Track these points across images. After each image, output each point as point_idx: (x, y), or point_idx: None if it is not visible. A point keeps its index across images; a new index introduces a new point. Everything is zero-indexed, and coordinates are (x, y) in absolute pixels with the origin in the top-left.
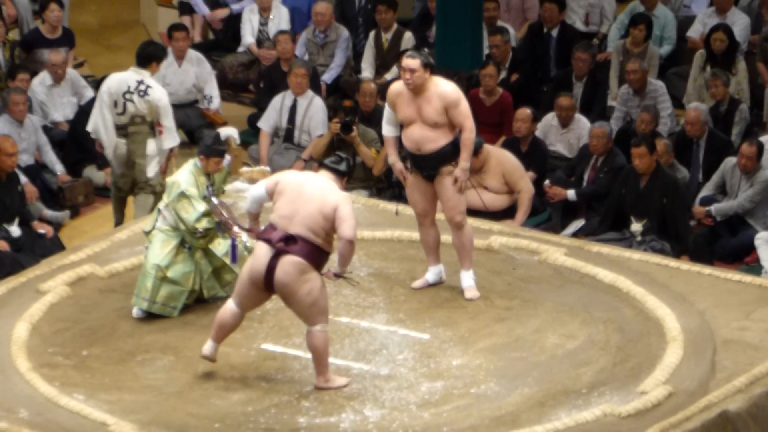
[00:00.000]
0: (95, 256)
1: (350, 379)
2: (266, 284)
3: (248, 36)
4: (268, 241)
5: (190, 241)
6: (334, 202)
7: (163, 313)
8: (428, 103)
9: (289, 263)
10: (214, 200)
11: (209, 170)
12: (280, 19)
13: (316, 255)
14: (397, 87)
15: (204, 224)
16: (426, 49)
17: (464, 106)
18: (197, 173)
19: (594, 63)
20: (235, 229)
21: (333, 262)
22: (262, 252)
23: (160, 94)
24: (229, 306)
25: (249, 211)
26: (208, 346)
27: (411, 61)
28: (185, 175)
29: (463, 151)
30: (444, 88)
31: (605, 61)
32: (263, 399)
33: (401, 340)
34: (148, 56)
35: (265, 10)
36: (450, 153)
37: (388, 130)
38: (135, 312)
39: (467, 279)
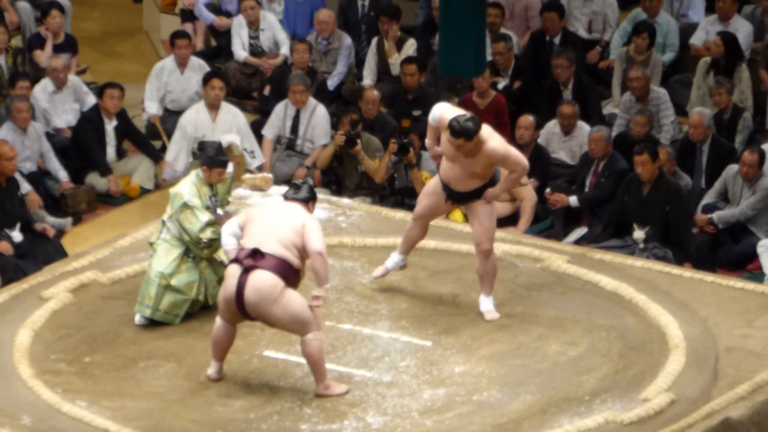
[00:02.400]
0: (98, 263)
1: (350, 386)
2: (239, 307)
3: (240, 51)
4: (236, 261)
5: (195, 252)
6: (303, 219)
7: (165, 320)
8: (473, 157)
9: (258, 280)
10: (219, 211)
11: (212, 181)
12: (271, 30)
13: (286, 270)
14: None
15: (208, 234)
16: (468, 114)
17: (512, 155)
18: (200, 184)
19: (576, 66)
20: None
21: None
22: (231, 273)
23: None
24: (219, 323)
25: (226, 248)
26: (212, 369)
27: (457, 141)
28: (187, 186)
29: (503, 182)
30: (491, 146)
31: (596, 64)
32: (265, 406)
33: (404, 347)
34: None
35: (253, 23)
36: (484, 190)
37: (433, 120)
38: (137, 319)
39: (486, 303)
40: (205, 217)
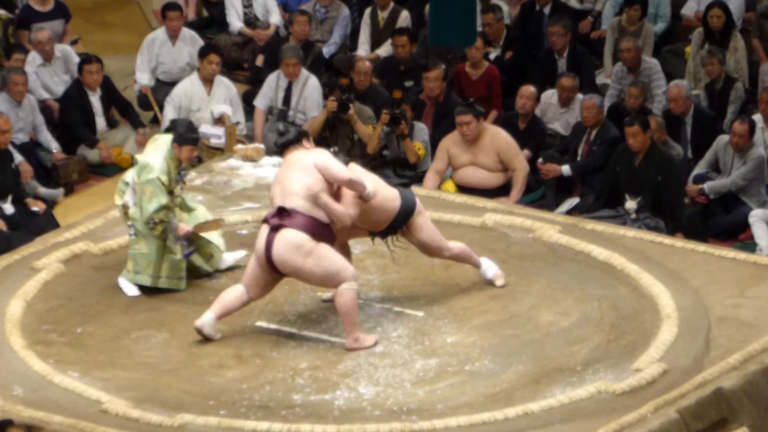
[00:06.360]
0: (89, 233)
1: (378, 337)
2: (269, 264)
3: (235, 21)
4: (265, 221)
5: (142, 228)
6: (312, 160)
7: (170, 286)
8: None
9: (284, 238)
10: (174, 222)
11: (182, 158)
12: None
13: (314, 227)
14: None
15: (160, 216)
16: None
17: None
18: (170, 159)
19: (571, 35)
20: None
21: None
22: (261, 232)
23: None
24: (237, 286)
25: None
26: (204, 318)
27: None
28: (159, 161)
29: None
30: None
31: (588, 34)
32: (258, 376)
33: (395, 318)
34: None
35: None
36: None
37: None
38: (128, 289)
39: (490, 269)
40: (165, 200)
